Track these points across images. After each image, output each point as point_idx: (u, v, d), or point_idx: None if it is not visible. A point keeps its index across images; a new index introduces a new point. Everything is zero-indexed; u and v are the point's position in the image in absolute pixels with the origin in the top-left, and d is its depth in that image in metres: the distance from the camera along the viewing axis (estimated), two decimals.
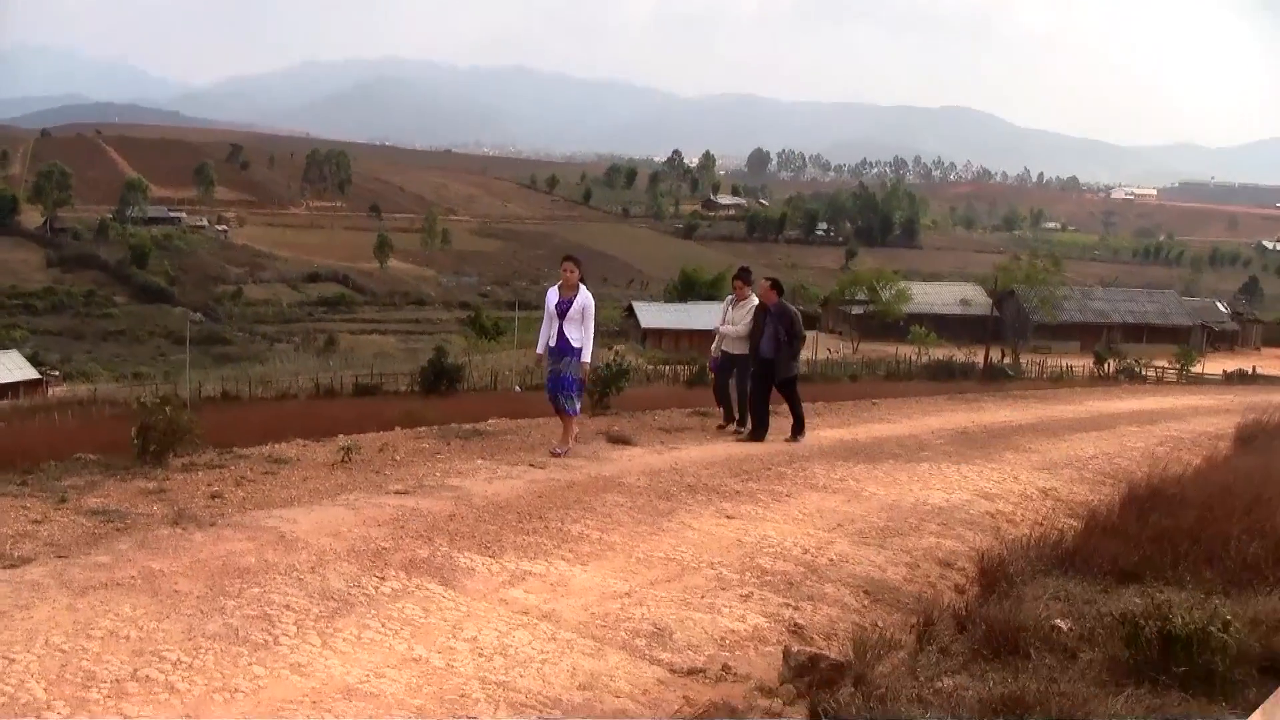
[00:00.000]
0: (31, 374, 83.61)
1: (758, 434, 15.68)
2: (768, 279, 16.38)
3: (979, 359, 65.51)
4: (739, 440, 15.68)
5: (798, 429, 16.06)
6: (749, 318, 16.11)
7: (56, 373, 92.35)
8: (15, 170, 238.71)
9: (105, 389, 66.33)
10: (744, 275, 16.81)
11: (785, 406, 16.34)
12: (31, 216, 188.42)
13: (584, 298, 13.36)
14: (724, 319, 16.65)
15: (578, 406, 13.65)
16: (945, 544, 10.01)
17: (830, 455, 14.70)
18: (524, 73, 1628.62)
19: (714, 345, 17.11)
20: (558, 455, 13.11)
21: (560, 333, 13.28)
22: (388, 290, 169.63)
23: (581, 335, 13.30)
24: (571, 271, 13.35)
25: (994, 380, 45.18)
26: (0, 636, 6.04)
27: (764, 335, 15.73)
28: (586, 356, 13.42)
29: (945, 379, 44.88)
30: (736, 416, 16.62)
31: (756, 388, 16.00)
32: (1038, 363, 73.24)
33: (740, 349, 16.26)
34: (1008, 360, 69.40)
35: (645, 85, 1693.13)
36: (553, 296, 13.48)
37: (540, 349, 13.71)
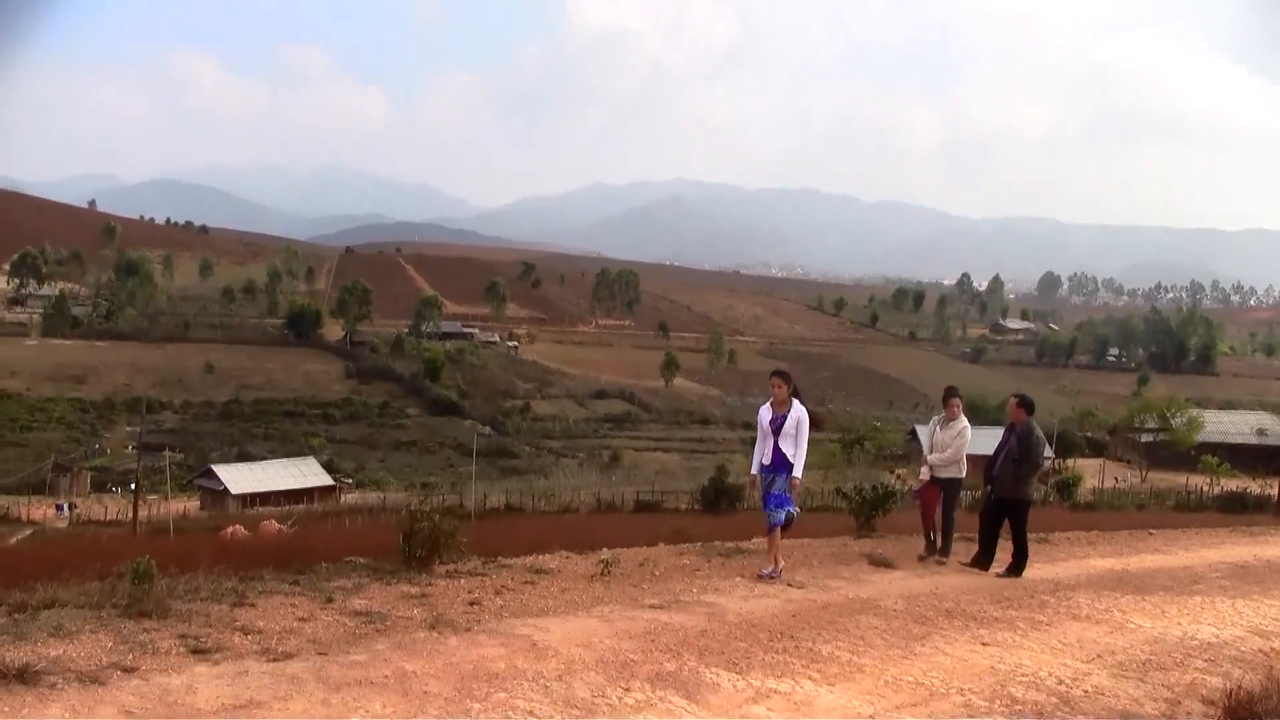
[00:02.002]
0: (326, 480, 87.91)
1: (981, 561, 15.00)
2: (1015, 395, 15.56)
3: (1275, 491, 62.75)
4: (939, 564, 15.16)
5: (1016, 564, 14.82)
6: (959, 440, 15.60)
7: (350, 480, 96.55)
8: (321, 285, 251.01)
9: (394, 497, 68.61)
10: (952, 392, 16.18)
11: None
12: (333, 329, 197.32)
13: (798, 412, 12.99)
14: (930, 441, 16.12)
15: (782, 518, 13.02)
16: (1210, 680, 9.54)
17: (1097, 585, 14.27)
18: (811, 194, 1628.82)
19: (922, 470, 16.47)
20: (768, 578, 12.80)
21: (775, 449, 12.95)
22: (672, 408, 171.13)
23: (795, 450, 12.94)
24: (780, 387, 13.02)
25: None
26: None
27: (1000, 455, 15.02)
28: (798, 472, 12.95)
29: (1237, 511, 43.05)
30: (932, 539, 15.88)
31: (985, 511, 15.46)
32: None
33: (950, 473, 15.71)
34: None
35: (933, 207, 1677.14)
36: (765, 414, 13.19)
37: (754, 469, 13.33)
